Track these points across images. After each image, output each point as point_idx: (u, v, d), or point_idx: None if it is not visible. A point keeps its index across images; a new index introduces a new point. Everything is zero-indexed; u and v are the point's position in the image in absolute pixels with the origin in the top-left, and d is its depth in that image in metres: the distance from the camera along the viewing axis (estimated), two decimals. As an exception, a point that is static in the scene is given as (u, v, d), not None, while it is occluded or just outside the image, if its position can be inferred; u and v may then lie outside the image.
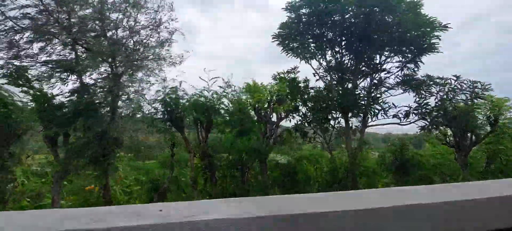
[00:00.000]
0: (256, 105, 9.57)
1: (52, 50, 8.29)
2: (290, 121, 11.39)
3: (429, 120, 10.25)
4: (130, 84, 9.43)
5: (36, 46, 8.05)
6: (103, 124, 7.76)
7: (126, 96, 8.99)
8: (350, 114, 11.05)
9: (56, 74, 8.09)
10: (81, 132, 7.80)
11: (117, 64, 8.75)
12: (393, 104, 11.30)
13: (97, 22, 8.53)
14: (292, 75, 11.47)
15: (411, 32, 10.75)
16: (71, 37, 8.15)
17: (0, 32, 7.44)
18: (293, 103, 10.39)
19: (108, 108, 8.39)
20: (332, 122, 11.75)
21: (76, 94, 8.08)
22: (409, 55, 11.71)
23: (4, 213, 1.37)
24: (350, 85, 11.83)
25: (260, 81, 10.53)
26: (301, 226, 1.07)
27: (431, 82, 10.69)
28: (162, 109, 8.11)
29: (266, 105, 9.70)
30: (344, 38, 11.93)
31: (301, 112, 11.52)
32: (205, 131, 8.27)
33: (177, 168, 14.03)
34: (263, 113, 9.51)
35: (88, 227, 1.26)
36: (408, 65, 11.88)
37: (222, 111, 8.98)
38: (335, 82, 12.08)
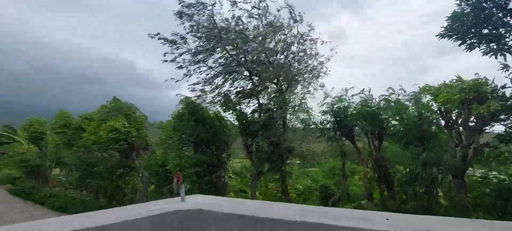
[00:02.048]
0: (442, 108, 7.80)
1: (237, 84, 11.19)
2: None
3: None
4: (294, 97, 10.77)
5: (227, 82, 11.00)
6: (277, 135, 9.18)
7: (292, 109, 10.38)
8: None
9: (242, 101, 10.73)
10: (264, 142, 9.56)
11: (281, 83, 10.26)
12: None
13: (262, 54, 10.43)
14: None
15: None
16: (247, 71, 10.63)
17: (210, 77, 10.75)
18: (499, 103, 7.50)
19: (280, 122, 9.87)
20: None
21: (256, 113, 10.29)
22: None
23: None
24: None
25: (434, 78, 8.46)
26: None
27: None
28: (331, 119, 8.41)
29: (455, 107, 7.65)
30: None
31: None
32: (378, 140, 7.71)
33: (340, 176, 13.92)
34: (454, 118, 7.58)
35: (328, 222, 1.48)
36: None
37: (395, 117, 8.03)
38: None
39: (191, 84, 10.41)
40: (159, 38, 9.67)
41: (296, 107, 10.12)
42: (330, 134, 8.56)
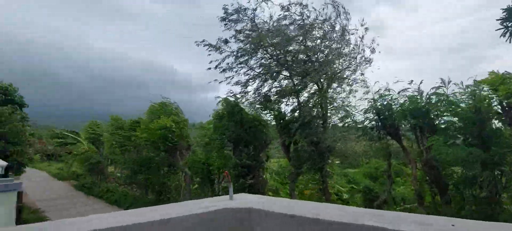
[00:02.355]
0: (504, 102, 6.90)
1: (277, 83, 11.16)
2: None
3: None
4: (335, 96, 10.46)
5: (267, 82, 11.06)
6: (317, 134, 8.98)
7: (332, 107, 10.09)
8: None
9: (282, 100, 10.70)
10: (303, 142, 9.45)
11: (321, 81, 10.02)
12: None
13: (302, 53, 10.30)
14: None
15: None
16: (287, 70, 10.53)
17: (251, 79, 10.93)
18: None
19: (320, 120, 9.66)
20: None
21: (295, 112, 10.17)
22: None
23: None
24: None
25: (492, 69, 7.35)
26: None
27: None
28: (373, 117, 7.99)
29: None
30: None
31: None
32: (428, 139, 7.10)
33: (383, 178, 13.12)
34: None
35: (386, 226, 1.44)
36: None
37: (448, 113, 7.31)
38: None
39: (232, 85, 10.71)
40: (205, 45, 10.14)
41: (337, 105, 9.83)
42: (373, 133, 8.12)
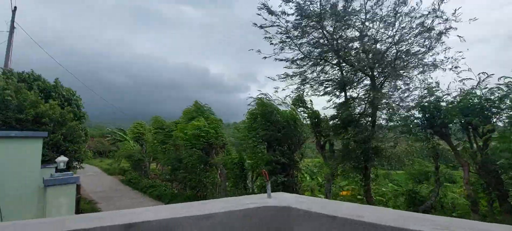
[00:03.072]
0: None
1: (324, 73, 10.17)
2: None
3: None
4: (391, 93, 9.32)
5: (310, 71, 10.10)
6: (364, 133, 8.35)
7: (385, 106, 8.99)
8: None
9: (332, 91, 9.70)
10: (346, 141, 8.93)
11: (377, 76, 9.00)
12: None
13: (358, 41, 9.21)
14: None
15: None
16: (338, 58, 9.55)
17: (294, 60, 10.00)
18: None
19: (369, 119, 8.95)
20: None
21: (342, 108, 9.18)
22: None
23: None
24: None
25: None
26: None
27: None
28: (420, 115, 7.37)
29: None
30: None
31: None
32: (483, 139, 6.36)
33: (427, 182, 12.09)
34: None
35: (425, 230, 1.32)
36: None
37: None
38: None
39: (277, 63, 9.95)
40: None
41: (392, 104, 8.71)
42: (419, 132, 7.49)
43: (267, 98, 10.31)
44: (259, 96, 10.40)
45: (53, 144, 9.85)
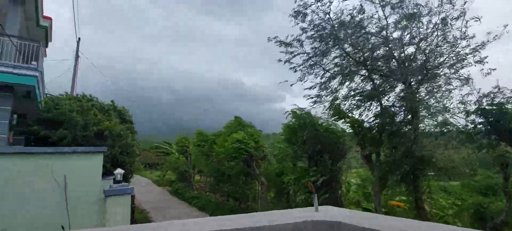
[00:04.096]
0: None
1: (355, 85, 10.30)
2: None
3: None
4: (428, 97, 8.87)
5: (342, 85, 10.26)
6: (407, 142, 7.85)
7: (425, 111, 8.52)
8: None
9: (361, 104, 9.79)
10: (389, 151, 8.47)
11: (410, 81, 8.73)
12: None
13: (384, 47, 9.19)
14: None
15: None
16: (366, 70, 9.58)
17: (323, 83, 10.46)
18: None
19: (410, 127, 8.40)
20: None
21: (379, 118, 9.11)
22: None
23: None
24: None
25: None
26: None
27: None
28: (481, 120, 6.55)
29: None
30: None
31: None
32: None
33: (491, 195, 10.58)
34: None
35: None
36: None
37: None
38: None
39: (304, 89, 10.28)
40: (276, 42, 9.88)
41: (432, 109, 8.24)
42: (482, 139, 6.63)
43: (304, 111, 10.19)
44: (294, 109, 10.33)
45: (111, 157, 10.97)
